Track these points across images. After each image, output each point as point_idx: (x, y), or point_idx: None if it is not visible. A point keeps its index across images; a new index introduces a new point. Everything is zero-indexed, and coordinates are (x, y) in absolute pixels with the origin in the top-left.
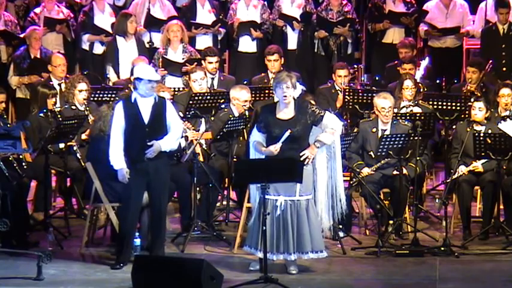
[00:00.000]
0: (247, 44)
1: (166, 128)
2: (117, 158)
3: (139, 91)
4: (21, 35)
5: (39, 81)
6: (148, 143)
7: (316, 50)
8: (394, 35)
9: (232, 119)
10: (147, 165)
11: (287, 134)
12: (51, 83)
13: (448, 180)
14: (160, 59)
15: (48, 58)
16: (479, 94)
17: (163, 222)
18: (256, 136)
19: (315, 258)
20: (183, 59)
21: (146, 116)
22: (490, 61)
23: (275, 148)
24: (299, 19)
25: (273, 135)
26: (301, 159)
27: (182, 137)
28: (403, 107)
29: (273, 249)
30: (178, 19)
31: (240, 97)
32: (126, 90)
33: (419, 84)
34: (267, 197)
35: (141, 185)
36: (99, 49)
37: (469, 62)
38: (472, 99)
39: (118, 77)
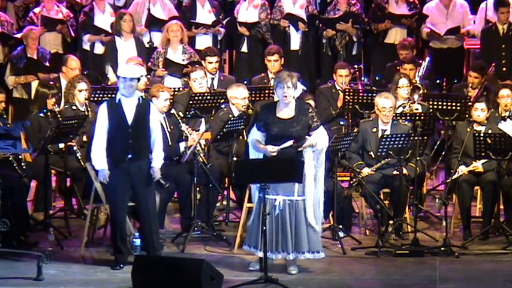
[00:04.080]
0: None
1: (149, 130)
2: (98, 159)
3: (120, 90)
4: (18, 35)
5: (48, 78)
6: (145, 172)
7: (324, 50)
8: (396, 36)
9: (232, 118)
10: (129, 165)
11: (289, 143)
12: (57, 84)
13: (448, 180)
14: (160, 59)
15: (64, 60)
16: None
17: (153, 221)
18: (256, 135)
19: (312, 258)
20: (183, 59)
21: (130, 117)
22: (494, 64)
23: (272, 150)
24: (306, 20)
25: (271, 134)
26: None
27: (182, 140)
28: (400, 106)
29: (272, 248)
30: (179, 19)
31: (238, 95)
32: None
33: (420, 85)
34: (266, 196)
35: (125, 185)
36: (99, 49)
37: (472, 66)
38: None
39: (117, 77)
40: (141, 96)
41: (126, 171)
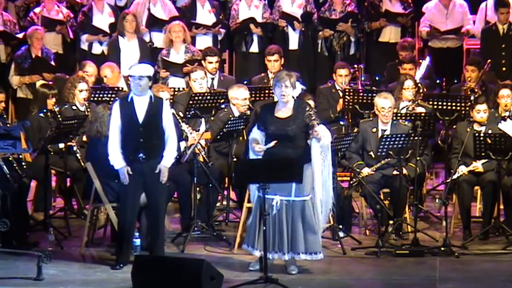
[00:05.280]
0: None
1: (162, 129)
2: (116, 158)
3: (132, 89)
4: (20, 35)
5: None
6: (156, 171)
7: (319, 50)
8: (390, 34)
9: (232, 119)
10: (142, 165)
11: (272, 144)
12: None
13: (448, 180)
14: (161, 61)
15: (82, 65)
16: (479, 92)
17: (161, 223)
18: (255, 133)
19: (309, 259)
20: (185, 59)
21: (141, 115)
22: (489, 60)
23: (259, 149)
24: (300, 19)
25: (268, 133)
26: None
27: (183, 139)
28: (404, 107)
29: (268, 248)
30: (180, 19)
31: (238, 96)
32: (126, 90)
33: (419, 85)
34: (265, 196)
35: (137, 185)
36: (97, 49)
37: (468, 60)
38: (472, 98)
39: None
40: (153, 95)
41: (139, 171)
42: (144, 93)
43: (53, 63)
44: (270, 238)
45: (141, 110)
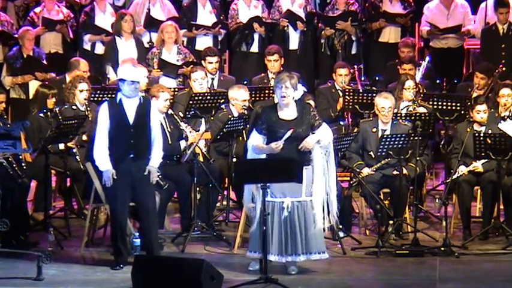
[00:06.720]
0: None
1: (149, 129)
2: (102, 159)
3: (123, 92)
4: (17, 35)
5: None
6: (145, 173)
7: (322, 50)
8: (390, 34)
9: (232, 119)
10: (130, 165)
11: (289, 132)
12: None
13: (448, 180)
14: (155, 60)
15: (76, 63)
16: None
17: (153, 221)
18: (255, 140)
19: (318, 259)
20: (177, 60)
21: (131, 117)
22: (501, 65)
23: (276, 145)
24: (304, 19)
25: (277, 136)
26: (301, 146)
27: (183, 138)
28: (405, 107)
29: (282, 252)
30: (178, 19)
31: (238, 97)
32: None
33: (420, 85)
34: (273, 199)
35: (126, 185)
36: (100, 49)
37: (478, 67)
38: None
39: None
40: (142, 96)
41: (127, 170)
42: (136, 95)
43: (45, 62)
44: (283, 241)
45: (130, 111)
